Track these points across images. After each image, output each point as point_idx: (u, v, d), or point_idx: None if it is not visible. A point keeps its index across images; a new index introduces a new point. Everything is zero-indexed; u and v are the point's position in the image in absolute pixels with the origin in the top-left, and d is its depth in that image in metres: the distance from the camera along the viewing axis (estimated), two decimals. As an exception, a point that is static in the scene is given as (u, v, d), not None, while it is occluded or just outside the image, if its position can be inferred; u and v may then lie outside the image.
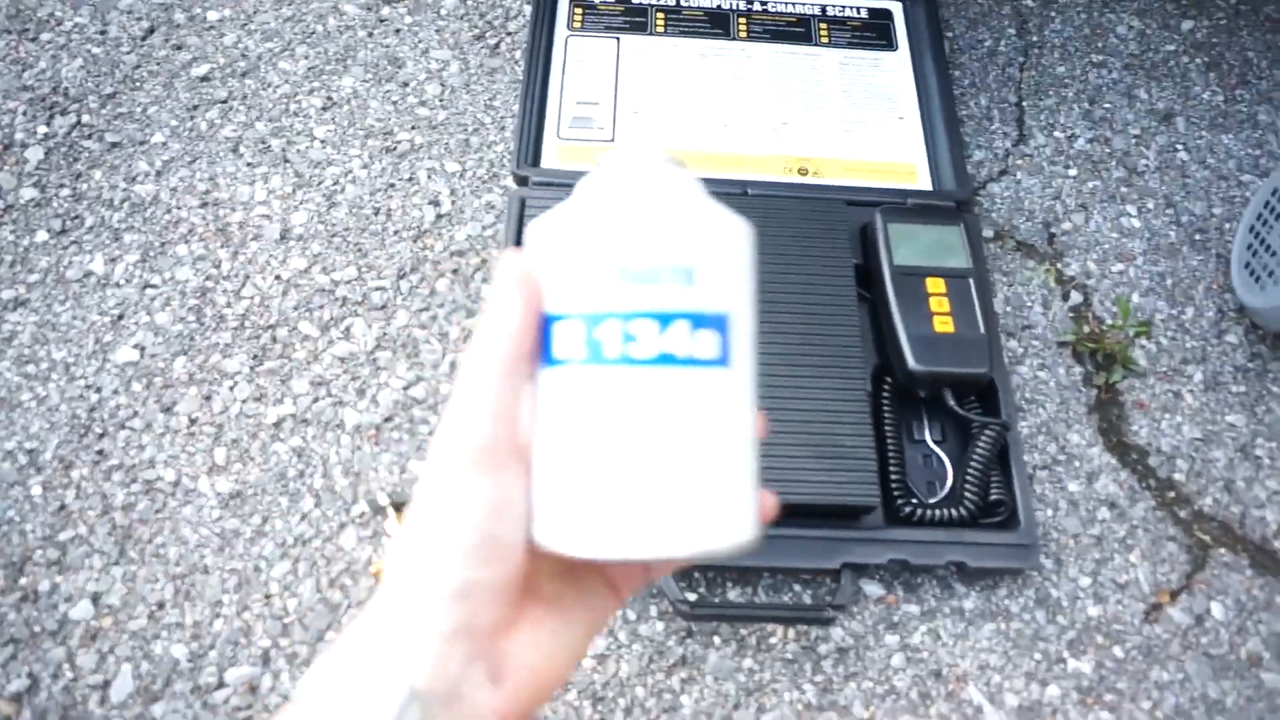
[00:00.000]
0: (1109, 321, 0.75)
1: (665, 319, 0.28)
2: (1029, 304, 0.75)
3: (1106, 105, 0.88)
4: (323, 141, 0.81)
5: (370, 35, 0.88)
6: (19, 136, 0.79)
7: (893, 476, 0.63)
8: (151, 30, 0.86)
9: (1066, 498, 0.67)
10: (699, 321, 0.28)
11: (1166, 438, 0.70)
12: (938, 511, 0.62)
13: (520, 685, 0.28)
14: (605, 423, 0.27)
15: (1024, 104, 0.87)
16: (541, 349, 0.29)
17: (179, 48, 0.86)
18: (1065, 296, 0.76)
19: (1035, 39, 0.92)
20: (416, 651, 0.26)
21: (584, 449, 0.28)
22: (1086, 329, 0.74)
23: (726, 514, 0.28)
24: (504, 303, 0.28)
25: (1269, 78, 0.90)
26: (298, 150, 0.80)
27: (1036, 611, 0.63)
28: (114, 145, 0.79)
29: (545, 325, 0.29)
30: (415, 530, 0.27)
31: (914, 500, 0.63)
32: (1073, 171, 0.83)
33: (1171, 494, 0.68)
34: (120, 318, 0.70)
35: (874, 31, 0.88)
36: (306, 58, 0.86)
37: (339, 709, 0.25)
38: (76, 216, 0.75)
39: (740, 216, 0.30)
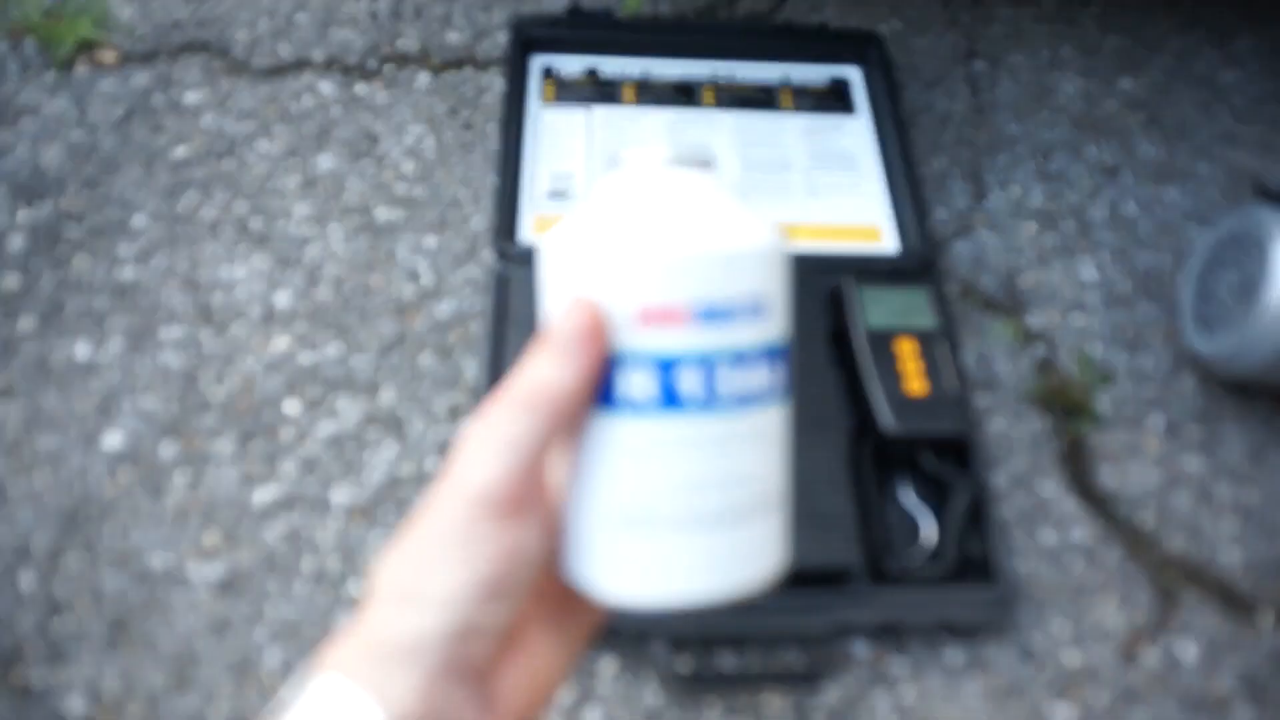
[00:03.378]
0: (1072, 373, 0.78)
1: (743, 358, 0.26)
2: (996, 359, 0.78)
3: (1057, 162, 0.92)
4: (302, 219, 0.83)
5: (346, 112, 0.90)
6: (0, 227, 0.79)
7: (875, 537, 0.65)
8: (131, 114, 0.88)
9: (1042, 549, 0.69)
10: (773, 356, 0.27)
11: (1133, 484, 0.73)
12: (920, 569, 0.64)
13: (512, 708, 0.28)
14: (678, 472, 0.26)
15: (980, 162, 0.91)
16: (600, 389, 0.27)
17: (157, 130, 0.87)
18: (1030, 350, 0.79)
19: (987, 98, 0.96)
20: (405, 687, 0.25)
21: (652, 497, 0.26)
22: (1052, 381, 0.77)
23: (778, 548, 0.28)
24: (566, 357, 0.26)
25: (1205, 131, 0.95)
26: (278, 229, 0.82)
27: (1019, 664, 0.65)
28: (96, 230, 0.80)
29: (608, 367, 0.26)
30: (418, 561, 0.26)
31: (897, 560, 0.65)
32: (1030, 227, 0.87)
33: (1140, 539, 0.71)
34: (107, 404, 0.71)
35: (834, 96, 0.91)
36: (283, 137, 0.88)
37: None
38: (60, 303, 0.76)
39: (777, 233, 0.28)
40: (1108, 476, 0.73)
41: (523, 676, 0.28)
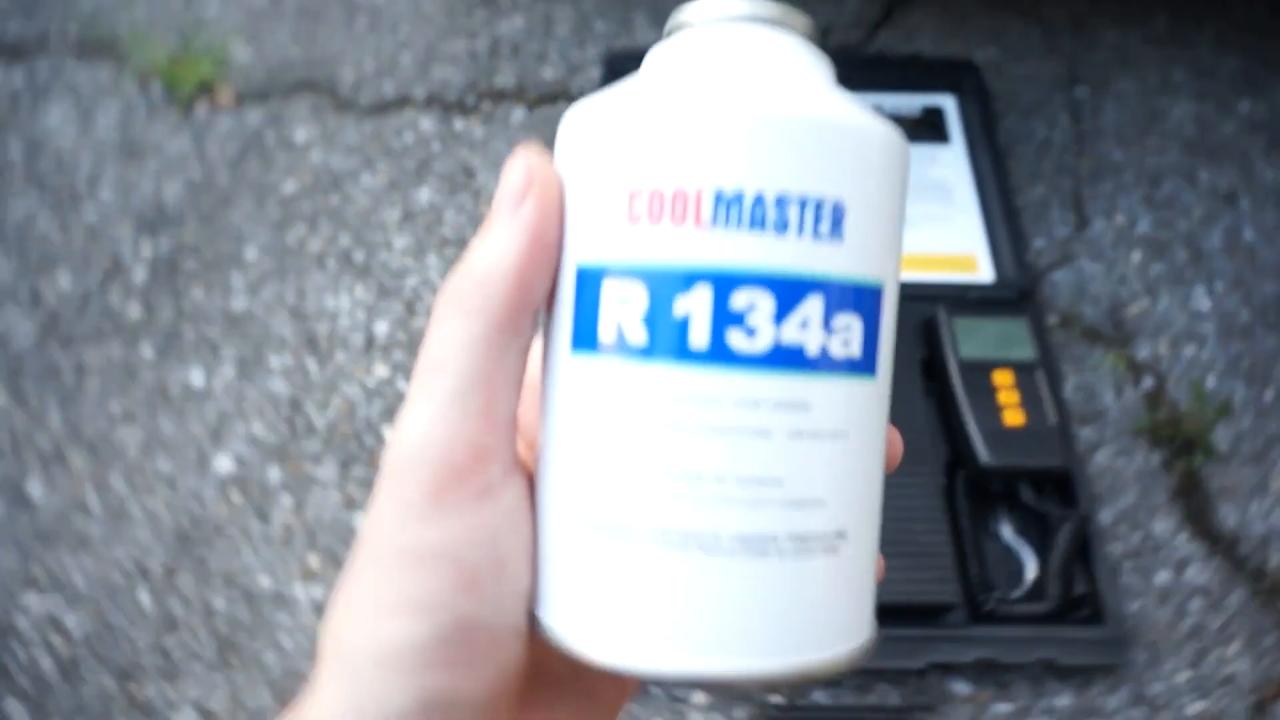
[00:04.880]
0: (1184, 406, 0.74)
1: (792, 289, 0.18)
2: (1100, 391, 0.75)
3: (1166, 189, 0.88)
4: (402, 251, 0.86)
5: (444, 147, 0.93)
6: (126, 258, 0.85)
7: (973, 572, 0.63)
8: (245, 151, 0.93)
9: (1156, 589, 0.66)
10: (843, 297, 0.18)
11: (1256, 523, 0.69)
12: (1022, 607, 0.62)
13: None
14: (679, 452, 0.18)
15: (1081, 191, 0.88)
16: (571, 321, 0.19)
17: (269, 166, 0.92)
18: (1137, 382, 0.76)
19: (1089, 126, 0.93)
20: None
21: (635, 489, 0.18)
22: (1163, 414, 0.74)
23: (849, 610, 0.20)
24: (500, 227, 0.19)
25: (1331, 153, 0.90)
26: (379, 261, 0.85)
27: (1133, 710, 0.61)
28: (212, 263, 0.85)
29: (582, 285, 0.19)
30: (349, 607, 0.19)
31: (996, 596, 0.63)
32: (1136, 255, 0.84)
33: (1266, 582, 0.66)
34: (219, 429, 0.74)
35: (928, 125, 0.90)
36: (385, 171, 0.91)
37: None
38: (178, 332, 0.80)
39: (892, 124, 0.21)
40: (1227, 515, 0.69)
41: None
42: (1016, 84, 0.95)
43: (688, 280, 0.18)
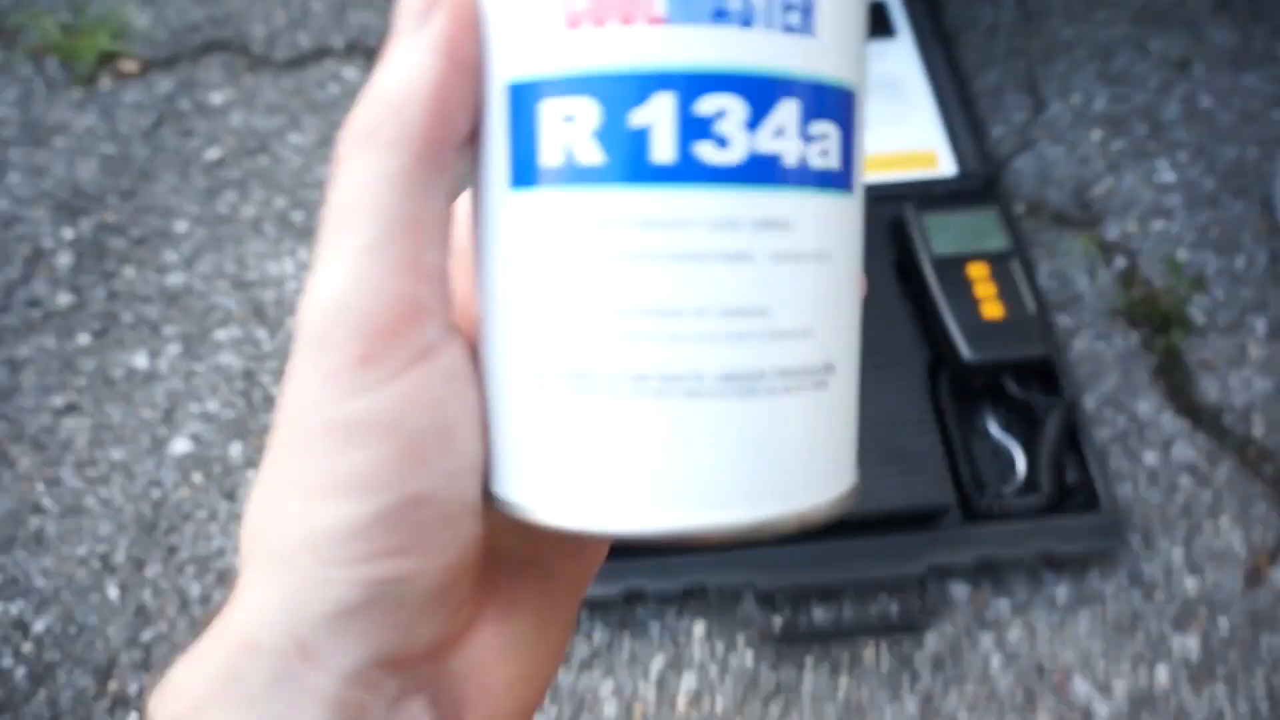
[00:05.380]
0: (1159, 282, 0.73)
1: (766, 90, 0.15)
2: (1074, 276, 0.74)
3: (1120, 62, 0.86)
4: (342, 208, 0.81)
5: (373, 95, 0.88)
6: (46, 244, 0.80)
7: (964, 472, 0.62)
8: (159, 122, 0.87)
9: (1144, 470, 0.66)
10: (819, 101, 0.16)
11: (1238, 394, 0.68)
12: (1015, 502, 0.61)
13: (481, 709, 0.18)
14: (649, 298, 0.16)
15: (1035, 73, 0.86)
16: (507, 151, 0.17)
17: (188, 134, 0.86)
18: (1109, 262, 0.75)
19: (1035, 6, 0.90)
20: (303, 706, 0.16)
21: (596, 326, 0.16)
22: (1137, 293, 0.73)
23: (839, 450, 0.18)
24: (406, 45, 0.16)
25: (1283, 10, 0.88)
26: (319, 220, 0.80)
27: (1132, 592, 0.61)
28: (140, 240, 0.80)
29: (516, 106, 0.16)
30: (273, 494, 0.16)
31: (989, 494, 0.62)
32: (1096, 134, 0.82)
33: (1253, 451, 0.66)
34: (171, 410, 0.71)
35: (873, 21, 0.87)
36: (314, 127, 0.86)
37: None
38: (114, 315, 0.76)
39: None
40: (1209, 388, 0.69)
41: (498, 669, 0.19)
42: (961, -32, 0.92)
43: (645, 86, 0.15)
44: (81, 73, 0.88)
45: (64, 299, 0.77)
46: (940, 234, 0.68)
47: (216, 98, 0.89)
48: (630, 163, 0.15)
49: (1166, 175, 0.79)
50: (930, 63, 0.83)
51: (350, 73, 0.90)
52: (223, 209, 0.82)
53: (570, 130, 0.16)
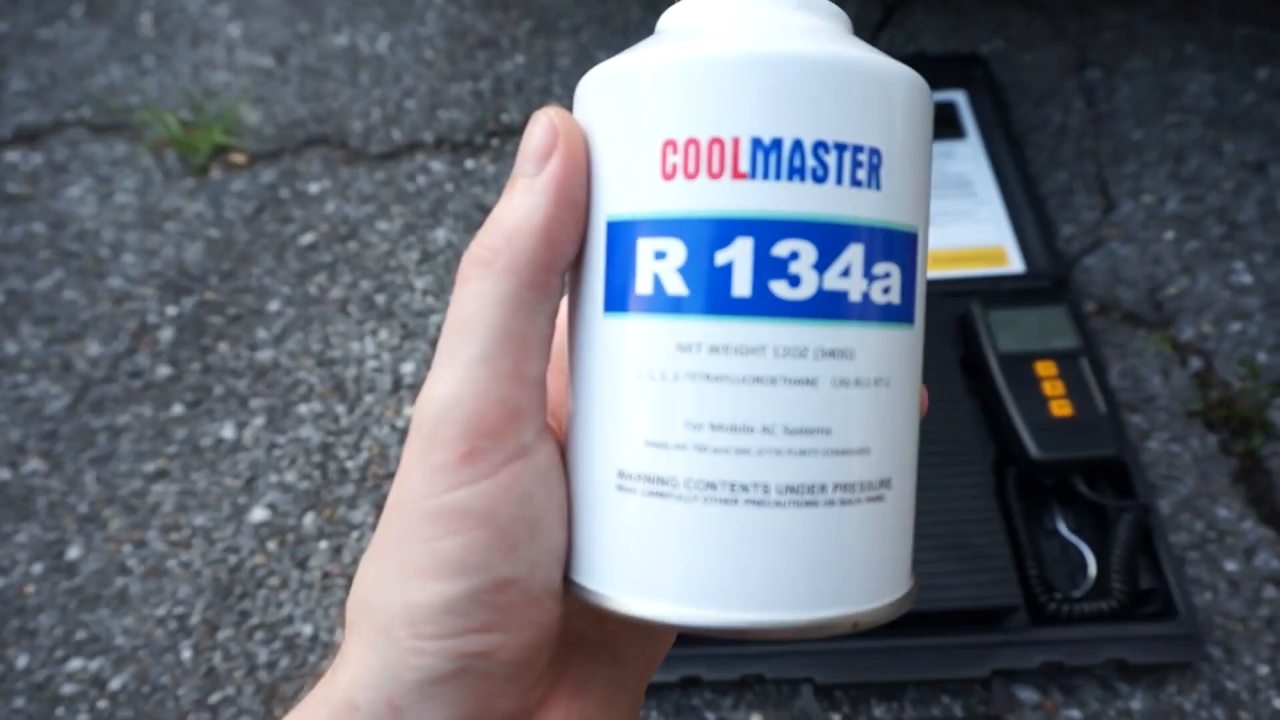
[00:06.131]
0: (1237, 385, 0.72)
1: (834, 236, 0.17)
2: (1147, 376, 0.73)
3: (1192, 163, 0.86)
4: (424, 292, 0.85)
5: (457, 187, 0.94)
6: (151, 319, 0.85)
7: (1031, 572, 0.60)
8: (261, 209, 0.93)
9: (1225, 578, 0.63)
10: (882, 244, 0.18)
11: (1323, 502, 0.66)
12: (1086, 606, 0.59)
13: None
14: (714, 401, 0.18)
15: (1105, 173, 0.87)
16: (603, 279, 0.19)
17: (286, 221, 0.92)
18: (1184, 363, 0.74)
19: (1104, 108, 0.92)
20: None
21: (668, 439, 0.18)
22: (1214, 395, 0.71)
23: (895, 558, 0.20)
24: (525, 184, 0.18)
25: (1362, 115, 0.88)
26: (401, 303, 0.85)
27: (1215, 708, 0.58)
28: (235, 318, 0.85)
29: (614, 240, 0.18)
30: (379, 571, 0.19)
31: (1058, 596, 0.60)
32: (1169, 234, 0.81)
33: (1341, 563, 0.63)
34: (252, 479, 0.74)
35: (942, 123, 0.89)
36: (401, 215, 0.92)
37: None
38: (207, 388, 0.80)
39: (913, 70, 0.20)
40: (1293, 495, 0.66)
41: None
42: (1025, 73, 0.94)
43: (728, 230, 0.18)
44: (196, 164, 0.96)
45: (163, 371, 0.82)
46: (1007, 331, 0.68)
47: (314, 187, 0.95)
48: (712, 295, 0.18)
49: (1243, 277, 0.78)
50: (998, 162, 0.84)
51: (437, 165, 0.95)
52: (313, 290, 0.86)
53: (660, 265, 0.18)
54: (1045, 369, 0.66)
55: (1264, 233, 0.80)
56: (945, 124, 0.88)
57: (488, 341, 0.18)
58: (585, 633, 0.21)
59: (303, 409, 0.78)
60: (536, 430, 0.19)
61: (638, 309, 0.18)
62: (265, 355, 0.82)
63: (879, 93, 0.18)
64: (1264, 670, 0.59)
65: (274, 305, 0.86)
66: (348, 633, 0.19)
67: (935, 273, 0.77)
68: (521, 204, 0.18)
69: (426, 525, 0.18)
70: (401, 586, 0.18)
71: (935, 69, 0.91)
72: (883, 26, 0.98)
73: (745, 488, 0.18)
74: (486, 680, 0.18)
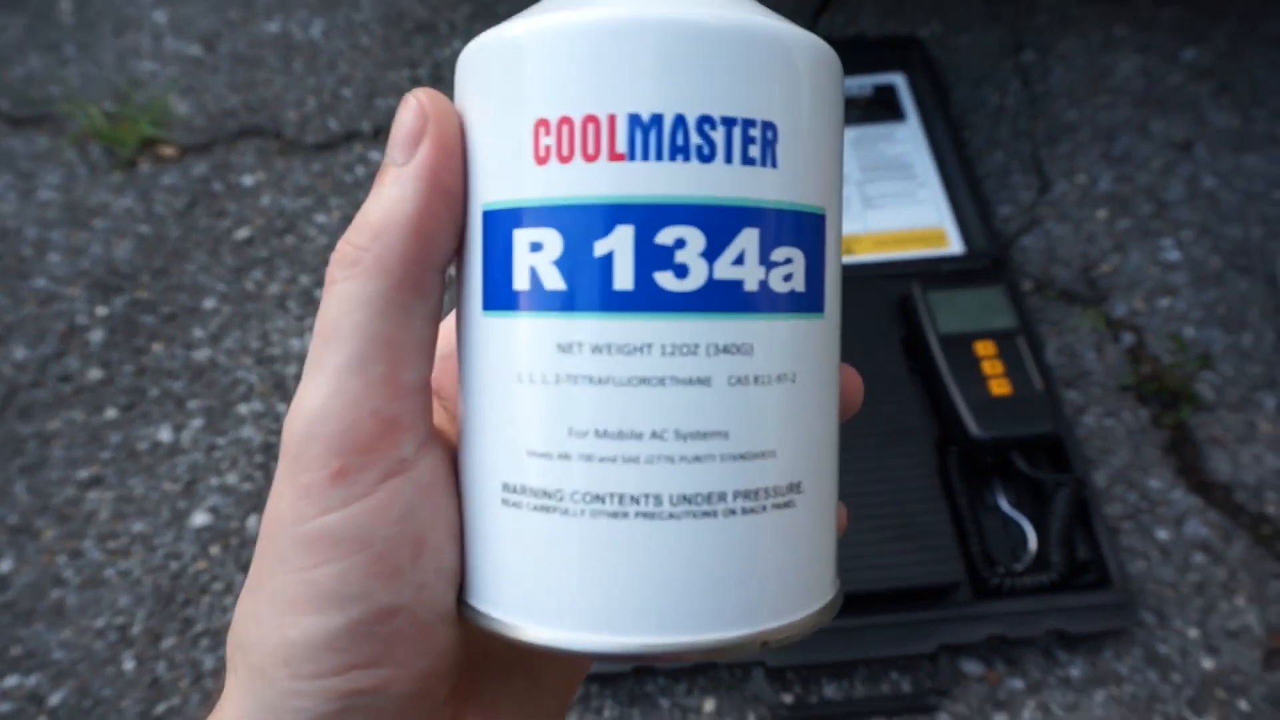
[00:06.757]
0: (1167, 359, 0.74)
1: (724, 221, 0.16)
2: (1081, 352, 0.75)
3: (1123, 143, 0.88)
4: (365, 285, 0.84)
5: (398, 177, 0.92)
6: (80, 320, 0.83)
7: (974, 548, 0.62)
8: (193, 203, 0.91)
9: (1157, 547, 0.65)
10: (781, 228, 0.17)
11: (1249, 470, 0.68)
12: (1027, 579, 0.61)
13: None
14: (606, 420, 0.16)
15: (1040, 154, 0.88)
16: (481, 274, 0.17)
17: (220, 215, 0.90)
18: (1117, 339, 0.76)
19: (1039, 89, 0.93)
20: None
21: (557, 449, 0.17)
22: (1145, 369, 0.73)
23: (808, 569, 0.18)
24: (393, 175, 0.17)
25: (1281, 93, 0.90)
26: (342, 297, 0.83)
27: (1148, 671, 0.60)
28: (169, 317, 0.83)
29: (489, 231, 0.17)
30: (253, 607, 0.17)
31: (1000, 570, 0.62)
32: (1101, 213, 0.83)
33: (1266, 528, 0.66)
34: (192, 483, 0.72)
35: (881, 105, 0.90)
36: (339, 208, 0.90)
37: None
38: (141, 390, 0.78)
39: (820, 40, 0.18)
40: (1220, 464, 0.69)
41: None
42: (963, 55, 0.95)
43: (607, 218, 0.16)
44: (123, 157, 0.93)
45: (94, 374, 0.79)
46: (947, 312, 0.69)
47: (248, 180, 0.92)
48: (591, 290, 0.16)
49: (1171, 254, 0.80)
50: (937, 144, 0.85)
51: (376, 155, 0.94)
52: (249, 286, 0.84)
53: (536, 258, 0.16)
54: (984, 349, 0.67)
55: (1190, 210, 0.83)
56: (885, 106, 0.89)
57: (357, 348, 0.17)
58: (495, 651, 0.20)
59: (243, 409, 0.76)
60: (418, 442, 0.17)
61: (516, 306, 0.17)
62: (202, 355, 0.80)
63: (773, 61, 0.16)
64: (1194, 633, 0.62)
65: (209, 303, 0.84)
66: (227, 673, 0.18)
67: (876, 255, 0.78)
68: (389, 195, 0.17)
69: (297, 554, 0.16)
70: (276, 622, 0.16)
71: (875, 52, 0.91)
72: (822, 9, 0.99)
73: (636, 499, 0.16)
74: (377, 717, 0.17)
